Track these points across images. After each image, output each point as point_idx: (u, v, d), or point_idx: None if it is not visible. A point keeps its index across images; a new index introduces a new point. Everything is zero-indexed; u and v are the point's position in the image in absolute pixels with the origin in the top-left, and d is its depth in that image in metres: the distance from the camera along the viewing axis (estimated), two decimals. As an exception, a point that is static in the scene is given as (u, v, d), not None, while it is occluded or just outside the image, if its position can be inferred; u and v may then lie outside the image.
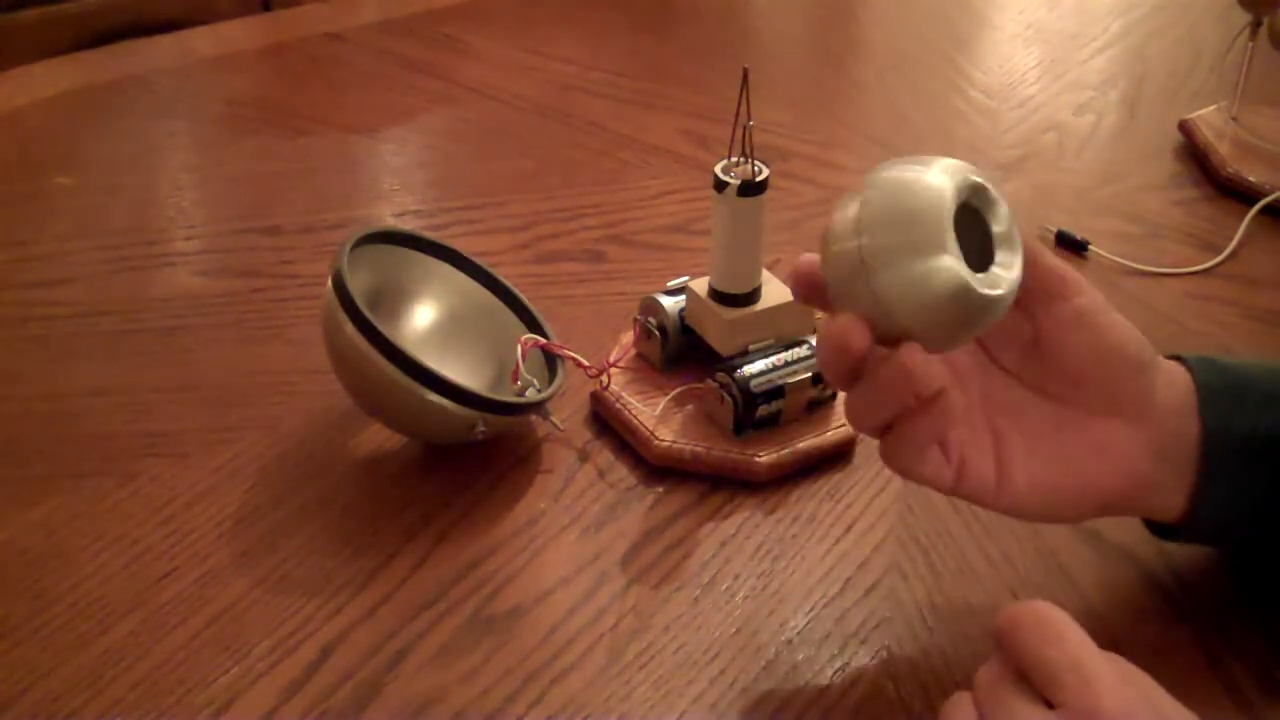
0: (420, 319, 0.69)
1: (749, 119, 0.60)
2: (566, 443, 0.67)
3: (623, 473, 0.65)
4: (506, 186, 0.95)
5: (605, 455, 0.66)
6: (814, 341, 0.66)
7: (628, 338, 0.70)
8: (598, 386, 0.68)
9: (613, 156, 0.99)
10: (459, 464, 0.65)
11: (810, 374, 0.65)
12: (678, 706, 0.52)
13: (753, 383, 0.63)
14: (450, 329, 0.69)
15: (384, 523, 0.62)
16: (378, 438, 0.67)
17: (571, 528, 0.62)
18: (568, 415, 0.69)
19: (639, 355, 0.70)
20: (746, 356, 0.65)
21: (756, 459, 0.63)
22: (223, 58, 1.19)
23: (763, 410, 0.64)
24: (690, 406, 0.67)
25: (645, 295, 0.69)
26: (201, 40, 1.22)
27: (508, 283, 0.70)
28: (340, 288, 0.60)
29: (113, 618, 0.56)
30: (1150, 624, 0.56)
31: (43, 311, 0.79)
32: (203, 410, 0.70)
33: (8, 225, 0.89)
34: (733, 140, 0.61)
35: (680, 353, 0.69)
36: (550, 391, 0.65)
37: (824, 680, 0.53)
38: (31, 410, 0.70)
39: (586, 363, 0.66)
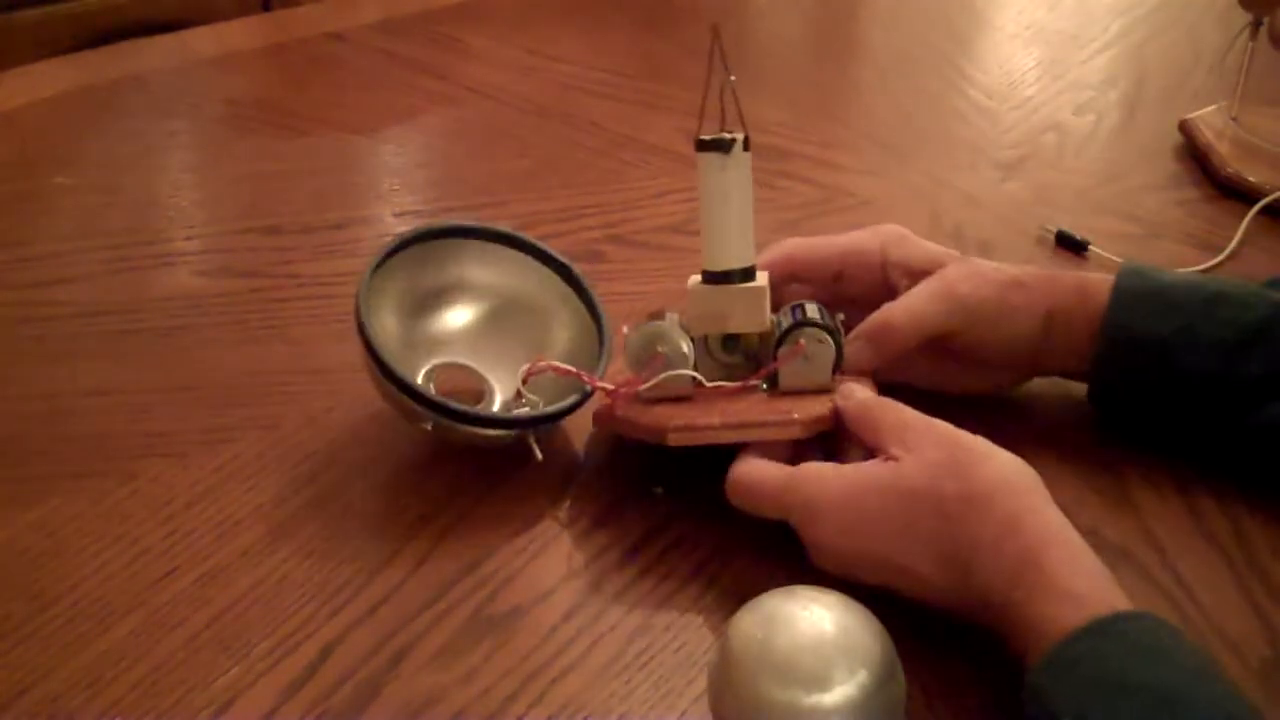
0: (473, 307, 0.69)
1: (729, 75, 0.57)
2: (567, 443, 0.67)
3: (623, 473, 0.65)
4: (506, 186, 0.95)
5: (605, 455, 0.66)
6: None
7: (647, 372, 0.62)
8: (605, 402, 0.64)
9: (613, 156, 0.99)
10: (459, 464, 0.65)
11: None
12: (678, 706, 0.52)
13: (827, 319, 0.62)
14: (506, 314, 0.69)
15: (384, 523, 0.62)
16: (378, 437, 0.67)
17: (571, 528, 0.62)
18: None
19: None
20: (795, 311, 0.63)
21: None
22: (223, 58, 1.19)
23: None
24: (690, 404, 0.66)
25: (641, 331, 0.63)
26: (201, 40, 1.22)
27: (576, 270, 0.69)
28: (362, 329, 0.60)
29: (113, 618, 0.56)
30: (1150, 624, 0.56)
31: (42, 311, 0.79)
32: (203, 410, 0.70)
33: (8, 225, 0.89)
34: (703, 106, 0.59)
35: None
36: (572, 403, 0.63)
37: (824, 680, 0.53)
38: (31, 410, 0.70)
39: (610, 386, 0.62)
